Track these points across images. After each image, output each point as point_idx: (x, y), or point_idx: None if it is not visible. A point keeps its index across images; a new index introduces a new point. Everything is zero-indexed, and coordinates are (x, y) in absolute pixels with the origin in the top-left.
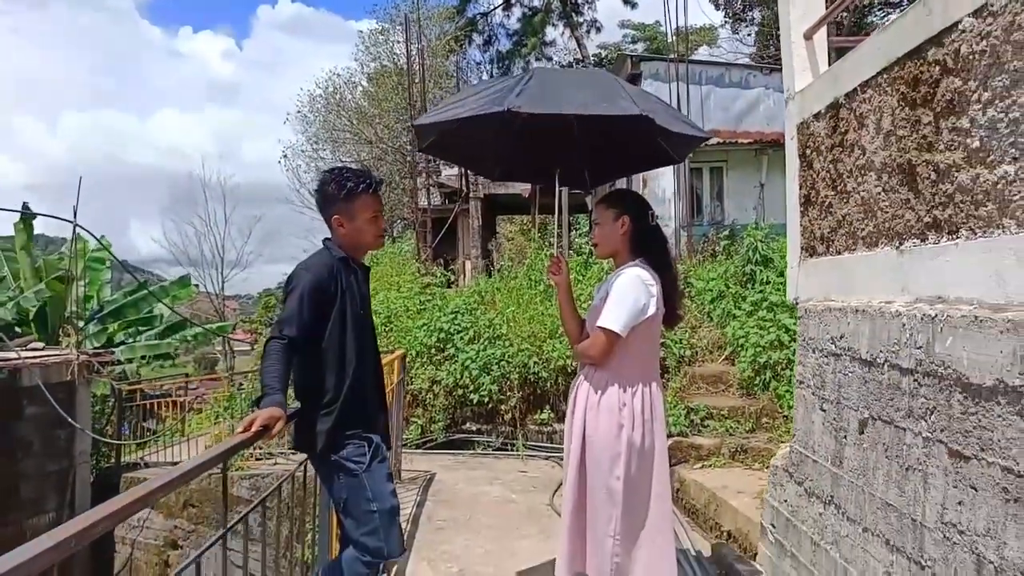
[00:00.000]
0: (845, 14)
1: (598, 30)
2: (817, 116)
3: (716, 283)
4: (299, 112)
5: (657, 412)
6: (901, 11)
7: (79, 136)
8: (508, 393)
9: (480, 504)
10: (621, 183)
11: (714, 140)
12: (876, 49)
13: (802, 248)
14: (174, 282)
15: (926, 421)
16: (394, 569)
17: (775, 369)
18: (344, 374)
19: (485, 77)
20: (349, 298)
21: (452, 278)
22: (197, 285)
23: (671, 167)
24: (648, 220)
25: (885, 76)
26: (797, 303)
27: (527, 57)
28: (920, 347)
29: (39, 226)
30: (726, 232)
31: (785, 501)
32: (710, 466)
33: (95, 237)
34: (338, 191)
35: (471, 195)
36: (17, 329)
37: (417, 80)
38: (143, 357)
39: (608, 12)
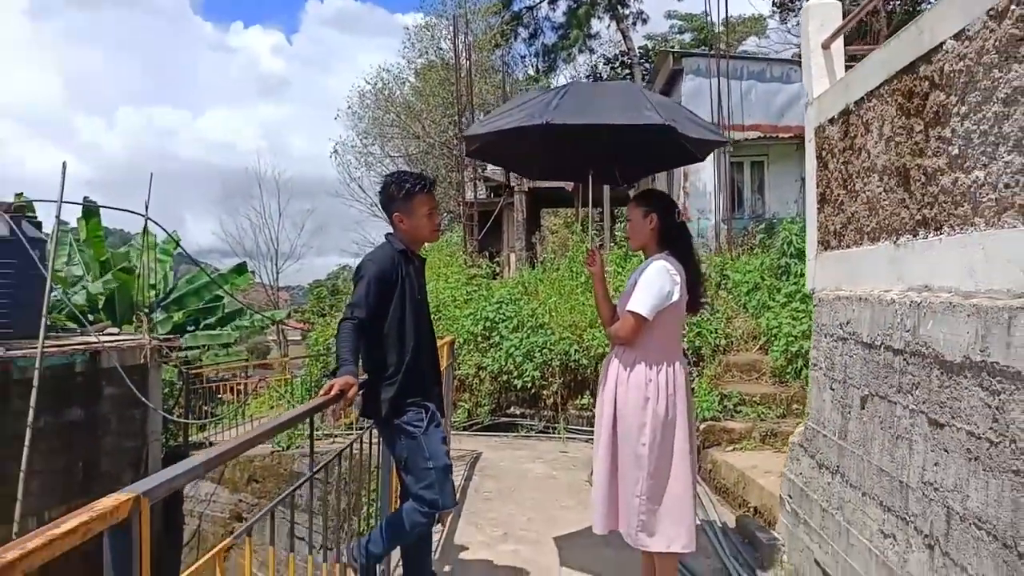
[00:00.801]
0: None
1: (644, 21)
2: (832, 121)
3: (752, 275)
4: (349, 108)
5: (679, 387)
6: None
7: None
8: (550, 379)
9: (524, 479)
10: (661, 180)
11: (755, 135)
12: (879, 62)
13: (818, 242)
14: (232, 270)
15: (912, 395)
16: (445, 532)
17: (806, 358)
18: (404, 351)
19: (531, 71)
20: (408, 286)
21: (497, 270)
22: (253, 272)
23: (711, 163)
24: (674, 218)
25: (886, 87)
26: (814, 293)
27: (571, 50)
28: (908, 330)
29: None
30: (762, 226)
31: (800, 474)
32: (741, 449)
33: (165, 230)
34: (398, 191)
35: (516, 189)
36: (89, 316)
37: (464, 75)
38: (204, 345)
39: (654, 3)
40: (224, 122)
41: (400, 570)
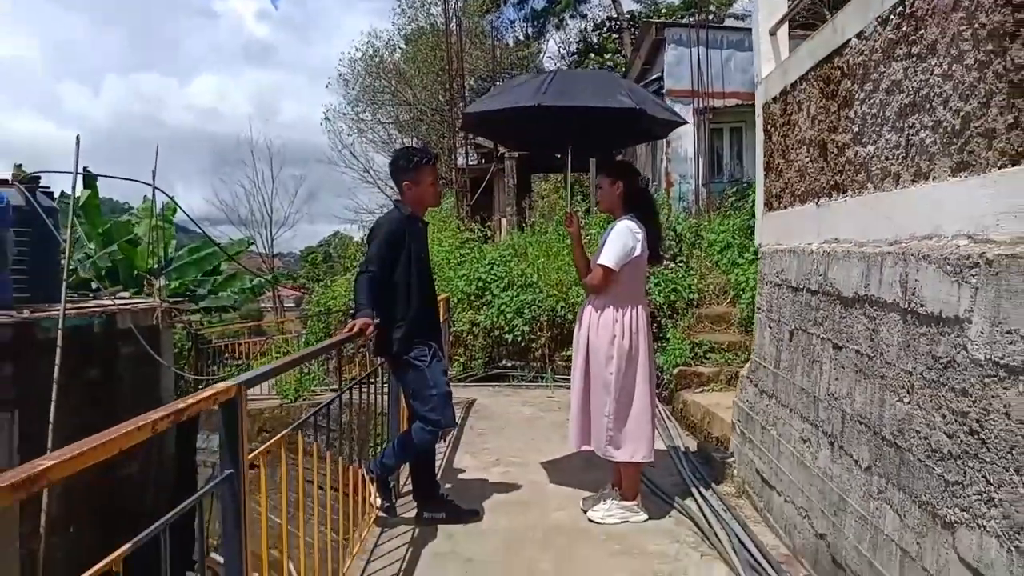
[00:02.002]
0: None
1: None
2: (775, 99)
3: (725, 235)
4: (340, 75)
5: (642, 327)
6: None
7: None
8: (538, 333)
9: (513, 419)
10: (646, 147)
11: (734, 102)
12: (808, 52)
13: (764, 204)
14: (234, 242)
15: (822, 327)
16: (444, 459)
17: None
18: (410, 299)
19: (520, 36)
20: (414, 245)
21: (489, 234)
22: (252, 242)
23: (691, 130)
24: (638, 184)
25: (812, 73)
26: (760, 248)
27: (562, 15)
28: (821, 275)
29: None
30: (734, 189)
31: (747, 401)
32: (709, 390)
33: (172, 199)
34: (407, 163)
35: (506, 155)
36: (93, 284)
37: (454, 41)
38: (206, 309)
39: None
40: (211, 88)
41: (409, 485)
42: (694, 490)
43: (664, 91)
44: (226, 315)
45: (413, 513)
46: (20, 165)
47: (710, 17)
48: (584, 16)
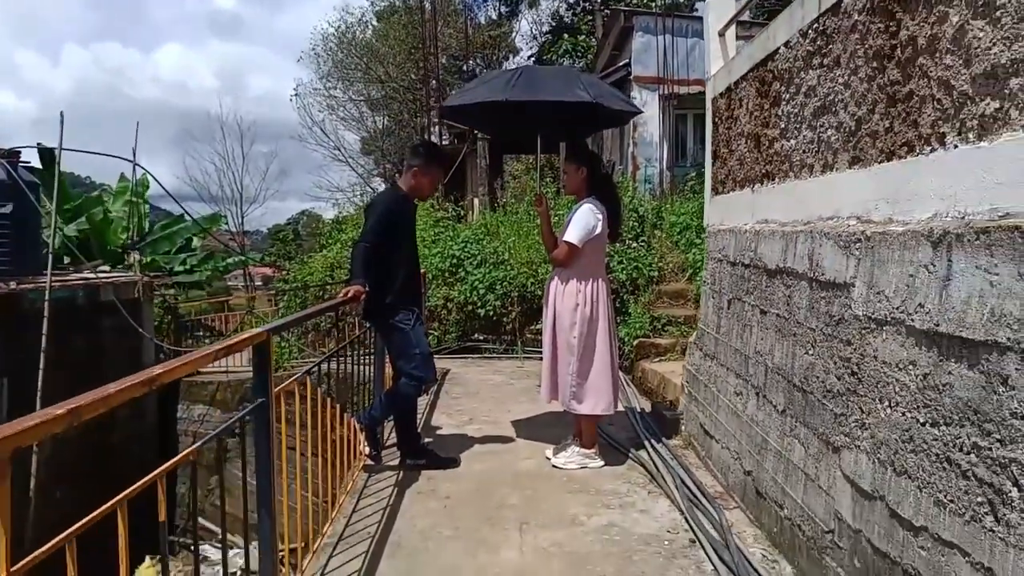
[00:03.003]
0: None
1: None
2: (721, 95)
3: (684, 217)
4: (313, 50)
5: (601, 296)
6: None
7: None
8: (509, 308)
9: (485, 385)
10: (613, 133)
11: (698, 89)
12: (747, 55)
13: (711, 188)
14: (206, 217)
15: (752, 295)
16: (423, 419)
17: None
18: (398, 270)
19: (492, 15)
20: (405, 222)
21: (462, 213)
22: (224, 218)
23: (656, 116)
24: (600, 170)
25: (751, 74)
26: (707, 228)
27: None
28: (752, 251)
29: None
30: (695, 173)
31: (693, 364)
32: (665, 360)
33: (152, 175)
34: (426, 153)
35: (479, 136)
36: (65, 259)
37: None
38: (179, 284)
39: None
40: (176, 60)
41: (394, 438)
42: (646, 442)
43: (631, 77)
44: (195, 292)
45: (397, 461)
46: None
47: (682, 2)
48: None
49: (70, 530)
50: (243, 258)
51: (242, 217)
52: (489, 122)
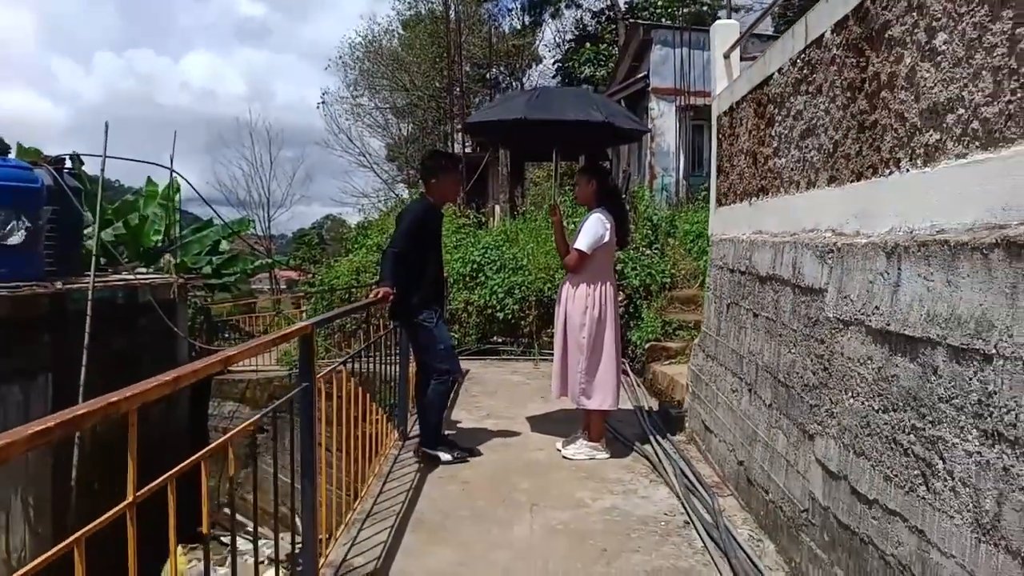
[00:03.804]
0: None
1: None
2: (725, 113)
3: (697, 225)
4: (340, 58)
5: (609, 300)
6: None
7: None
8: (527, 312)
9: (502, 385)
10: (627, 145)
11: None
12: (747, 79)
13: (716, 200)
14: (236, 221)
15: (747, 299)
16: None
17: None
18: (425, 273)
19: (517, 25)
20: (433, 230)
21: (483, 220)
22: (252, 222)
23: (674, 127)
24: (608, 182)
25: (750, 96)
26: (712, 237)
27: (558, 4)
28: (747, 259)
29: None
30: (707, 184)
31: (697, 365)
32: (675, 362)
33: (188, 182)
34: (432, 164)
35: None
36: (102, 261)
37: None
38: (210, 286)
39: None
40: (205, 68)
41: (417, 429)
42: (651, 437)
43: (650, 88)
44: (220, 294)
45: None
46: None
47: (704, 9)
48: (580, 6)
49: (120, 507)
50: (270, 261)
51: (269, 221)
52: (508, 137)
